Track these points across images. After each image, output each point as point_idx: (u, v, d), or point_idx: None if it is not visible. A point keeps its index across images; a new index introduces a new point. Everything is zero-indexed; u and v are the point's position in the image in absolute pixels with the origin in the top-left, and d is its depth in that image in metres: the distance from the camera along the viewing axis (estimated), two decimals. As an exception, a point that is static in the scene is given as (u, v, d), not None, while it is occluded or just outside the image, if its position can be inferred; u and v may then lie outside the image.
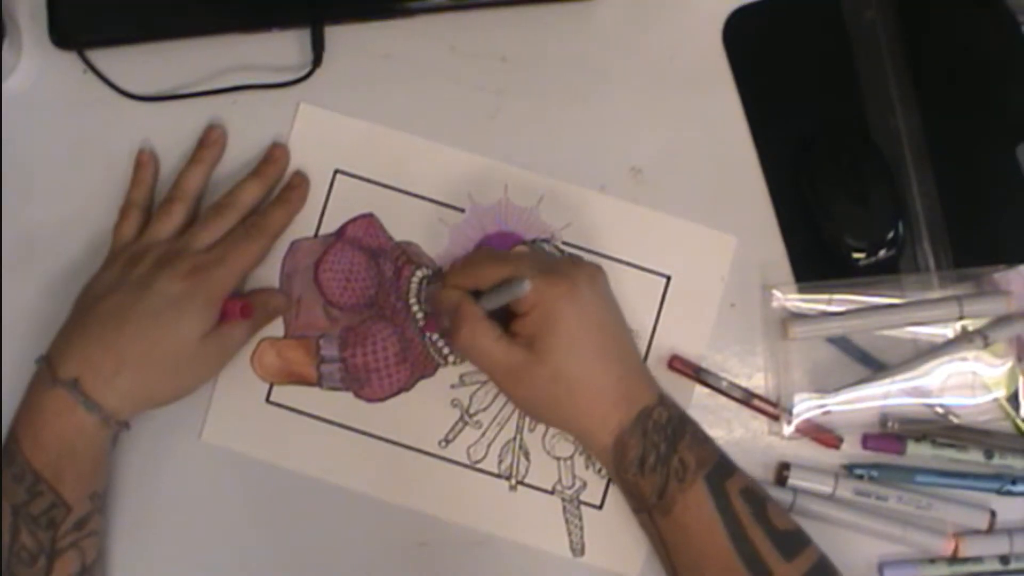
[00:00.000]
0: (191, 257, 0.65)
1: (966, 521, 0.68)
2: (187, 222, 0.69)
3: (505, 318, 0.64)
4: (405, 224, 0.70)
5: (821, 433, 0.68)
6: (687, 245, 0.70)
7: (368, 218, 0.70)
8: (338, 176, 0.71)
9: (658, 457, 0.62)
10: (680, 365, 0.69)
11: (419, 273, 0.69)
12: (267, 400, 0.70)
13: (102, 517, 0.66)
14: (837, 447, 0.68)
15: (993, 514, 0.68)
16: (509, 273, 0.62)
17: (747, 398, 0.69)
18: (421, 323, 0.69)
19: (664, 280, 0.70)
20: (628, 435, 0.62)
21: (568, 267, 0.64)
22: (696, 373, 0.69)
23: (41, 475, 0.61)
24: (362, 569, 0.69)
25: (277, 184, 0.70)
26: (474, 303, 0.63)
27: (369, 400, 0.70)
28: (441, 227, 0.70)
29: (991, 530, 0.68)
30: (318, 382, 0.70)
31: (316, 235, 0.70)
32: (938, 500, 0.68)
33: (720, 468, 0.63)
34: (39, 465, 0.62)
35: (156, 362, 0.63)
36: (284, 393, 0.70)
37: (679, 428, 0.63)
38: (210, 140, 0.70)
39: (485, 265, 0.64)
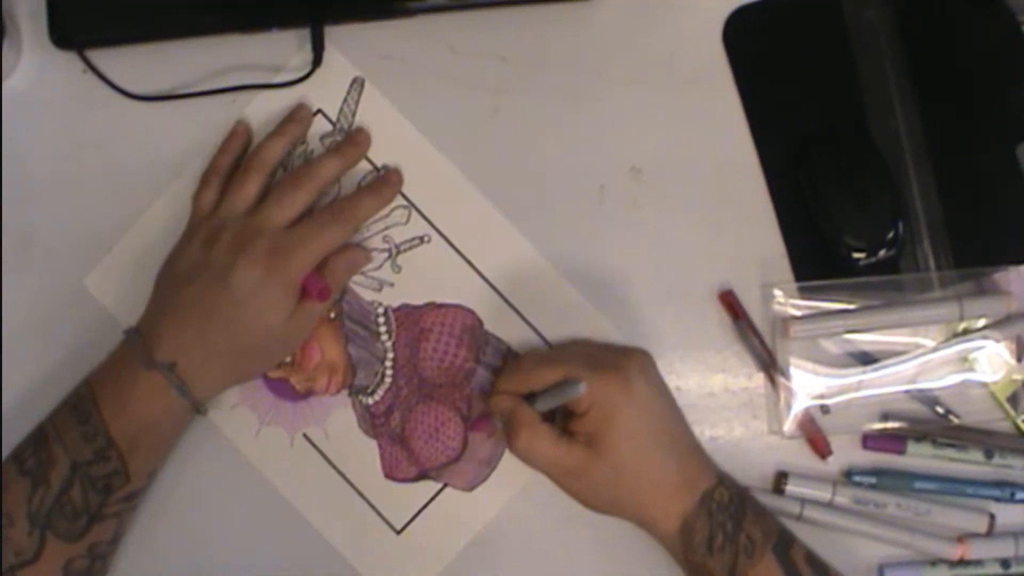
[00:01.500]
0: (269, 237, 0.64)
1: (965, 525, 0.68)
2: (262, 193, 0.67)
3: (556, 414, 0.65)
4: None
5: (815, 435, 0.68)
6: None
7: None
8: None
9: (726, 536, 0.62)
10: (731, 300, 0.69)
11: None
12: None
13: (144, 497, 0.67)
14: (825, 457, 0.68)
15: (992, 517, 0.68)
16: (562, 375, 0.63)
17: (766, 366, 0.69)
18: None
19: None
20: (694, 519, 0.63)
21: (619, 359, 0.65)
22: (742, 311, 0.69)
23: (115, 442, 0.62)
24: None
25: (355, 165, 0.70)
26: (528, 408, 0.64)
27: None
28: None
29: (990, 533, 0.68)
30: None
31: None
32: (937, 505, 0.68)
33: (783, 538, 0.63)
34: (116, 433, 0.62)
35: (242, 351, 0.65)
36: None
37: (741, 505, 0.64)
38: (298, 116, 0.70)
39: (537, 369, 0.64)
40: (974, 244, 0.69)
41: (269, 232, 0.65)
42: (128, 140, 0.71)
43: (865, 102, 0.71)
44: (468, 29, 0.71)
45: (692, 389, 0.69)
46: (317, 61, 0.70)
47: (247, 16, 0.71)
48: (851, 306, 0.68)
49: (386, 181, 0.70)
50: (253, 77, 0.71)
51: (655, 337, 0.70)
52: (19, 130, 0.71)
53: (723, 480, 0.65)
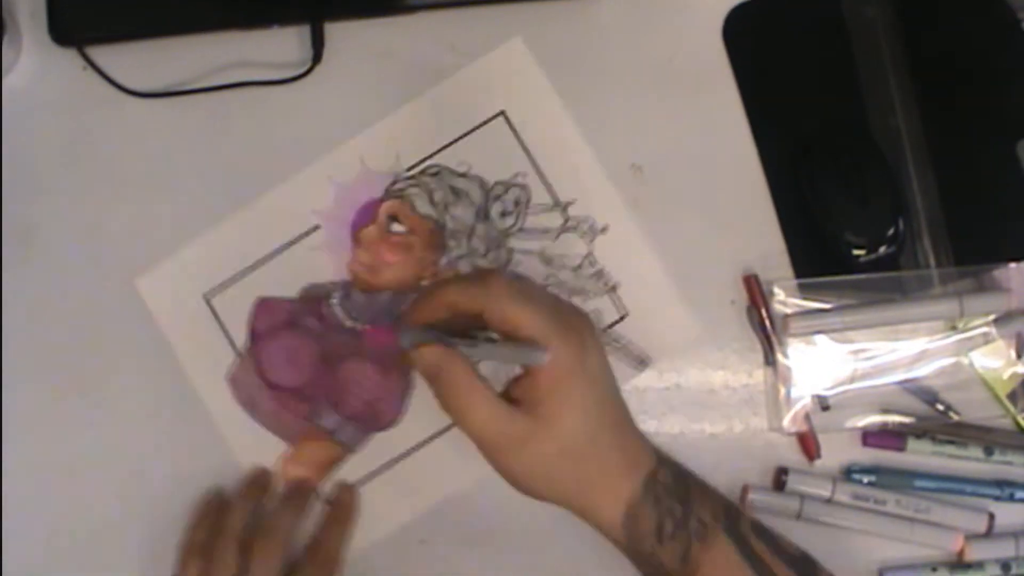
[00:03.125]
0: None
1: (965, 524, 0.68)
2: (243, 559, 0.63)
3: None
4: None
5: (806, 435, 0.68)
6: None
7: (260, 305, 0.69)
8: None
9: (675, 523, 0.57)
10: (754, 284, 0.69)
11: (333, 300, 0.69)
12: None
13: None
14: (812, 460, 0.68)
15: (992, 517, 0.68)
16: (526, 324, 0.55)
17: (768, 357, 0.69)
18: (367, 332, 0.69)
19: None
20: (639, 506, 0.57)
21: (575, 319, 0.58)
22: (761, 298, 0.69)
23: None
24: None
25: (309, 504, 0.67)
26: (464, 363, 0.55)
27: (391, 425, 0.69)
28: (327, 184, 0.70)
29: (989, 533, 0.68)
30: (347, 451, 0.69)
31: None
32: (936, 504, 0.68)
33: (730, 513, 0.59)
34: None
35: None
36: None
37: (686, 486, 0.58)
38: (256, 480, 0.67)
39: (498, 306, 0.55)
40: (974, 241, 0.69)
41: None
42: (128, 137, 0.71)
43: (865, 99, 0.71)
44: (468, 27, 0.71)
45: (692, 386, 0.69)
46: (317, 58, 0.71)
47: (247, 12, 0.71)
48: (851, 303, 0.68)
49: (344, 506, 0.67)
50: (253, 74, 0.71)
51: (656, 334, 0.70)
52: (19, 127, 0.71)
53: (663, 460, 0.59)
